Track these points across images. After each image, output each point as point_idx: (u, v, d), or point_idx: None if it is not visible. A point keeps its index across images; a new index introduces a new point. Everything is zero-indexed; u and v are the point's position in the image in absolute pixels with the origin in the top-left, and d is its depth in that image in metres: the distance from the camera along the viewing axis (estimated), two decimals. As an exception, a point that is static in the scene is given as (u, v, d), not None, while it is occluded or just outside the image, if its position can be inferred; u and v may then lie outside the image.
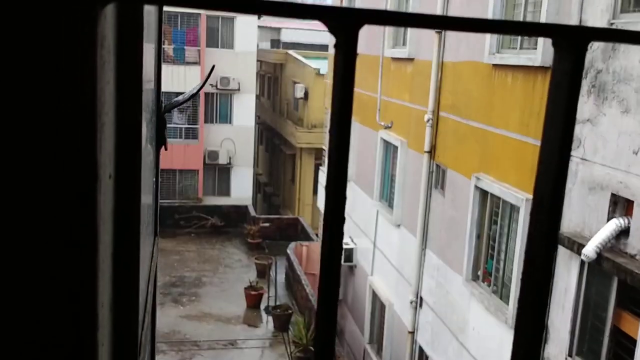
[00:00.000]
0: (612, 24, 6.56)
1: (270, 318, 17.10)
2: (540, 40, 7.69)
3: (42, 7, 0.46)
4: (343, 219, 0.51)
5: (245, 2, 0.44)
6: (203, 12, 25.62)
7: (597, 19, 6.76)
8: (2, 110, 0.49)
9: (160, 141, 1.82)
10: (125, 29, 0.70)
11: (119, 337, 0.80)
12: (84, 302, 0.52)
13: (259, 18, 27.75)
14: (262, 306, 17.90)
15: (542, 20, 7.64)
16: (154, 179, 1.78)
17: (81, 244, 0.54)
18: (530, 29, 0.50)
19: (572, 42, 0.50)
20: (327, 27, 0.47)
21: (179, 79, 24.17)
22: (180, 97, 2.21)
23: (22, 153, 0.48)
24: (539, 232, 0.54)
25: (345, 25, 0.46)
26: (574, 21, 7.08)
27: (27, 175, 0.49)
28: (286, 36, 38.14)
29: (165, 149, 1.90)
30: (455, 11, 10.20)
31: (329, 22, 0.46)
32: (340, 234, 0.53)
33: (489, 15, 8.85)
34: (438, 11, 10.51)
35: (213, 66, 2.88)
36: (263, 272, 19.41)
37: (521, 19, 8.42)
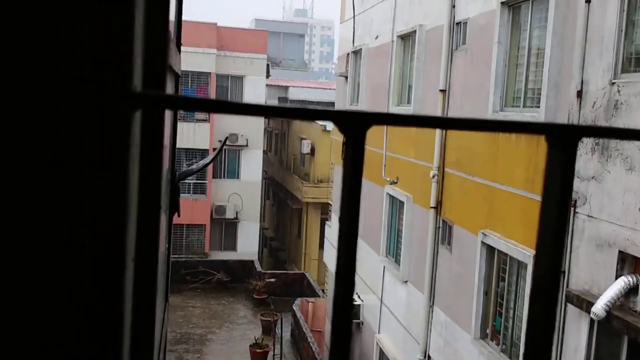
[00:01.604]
0: (613, 83, 6.67)
1: (276, 377, 16.78)
2: (543, 98, 7.82)
3: (81, 113, 0.52)
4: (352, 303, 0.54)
5: (266, 108, 0.49)
6: (213, 72, 26.20)
7: (598, 79, 6.88)
8: (47, 196, 0.53)
9: (173, 208, 1.88)
10: (148, 126, 0.76)
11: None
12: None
13: (267, 77, 28.33)
14: (268, 364, 17.59)
15: (545, 79, 7.78)
16: (167, 246, 1.82)
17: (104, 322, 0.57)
18: (525, 127, 0.55)
19: (563, 138, 0.55)
20: (339, 127, 0.52)
21: (189, 136, 24.59)
22: (194, 166, 2.28)
23: (62, 244, 0.53)
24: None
25: (355, 127, 0.51)
26: (575, 81, 7.20)
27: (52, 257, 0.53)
28: (293, 94, 38.82)
29: (179, 216, 1.96)
30: (458, 73, 10.41)
31: (340, 123, 0.51)
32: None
33: (492, 75, 9.02)
34: (442, 73, 10.72)
35: (226, 138, 2.98)
36: (268, 329, 19.14)
37: (523, 80, 8.58)
